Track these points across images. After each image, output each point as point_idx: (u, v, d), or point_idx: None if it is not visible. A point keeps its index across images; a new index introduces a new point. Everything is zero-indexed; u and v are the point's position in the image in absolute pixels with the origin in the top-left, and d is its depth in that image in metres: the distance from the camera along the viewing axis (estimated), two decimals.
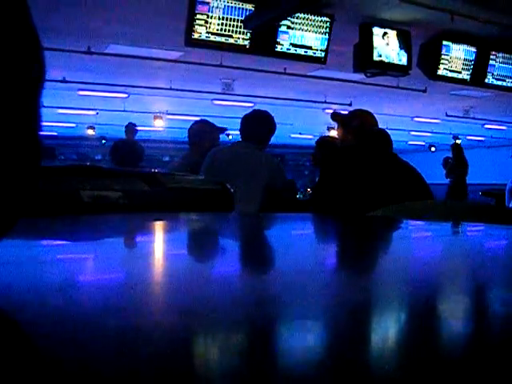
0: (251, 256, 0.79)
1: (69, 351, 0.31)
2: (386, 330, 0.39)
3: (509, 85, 6.37)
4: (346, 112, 3.27)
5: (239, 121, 3.38)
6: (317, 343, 0.35)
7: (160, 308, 0.44)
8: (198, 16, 4.74)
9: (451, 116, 10.59)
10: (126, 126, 7.87)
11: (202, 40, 4.82)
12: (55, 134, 13.40)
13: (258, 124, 3.28)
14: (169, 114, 11.11)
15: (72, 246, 0.83)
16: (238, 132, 3.37)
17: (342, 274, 0.65)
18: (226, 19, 4.84)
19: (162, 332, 0.36)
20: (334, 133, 8.25)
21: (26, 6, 0.39)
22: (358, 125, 2.95)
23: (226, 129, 4.04)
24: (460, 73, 5.99)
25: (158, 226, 1.20)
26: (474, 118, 10.81)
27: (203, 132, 3.83)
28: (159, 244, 0.94)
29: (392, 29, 5.41)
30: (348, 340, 0.35)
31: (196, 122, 4.02)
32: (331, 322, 0.40)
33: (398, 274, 0.63)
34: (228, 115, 9.91)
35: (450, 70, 5.91)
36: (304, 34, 5.23)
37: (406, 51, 5.55)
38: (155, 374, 0.28)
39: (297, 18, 5.14)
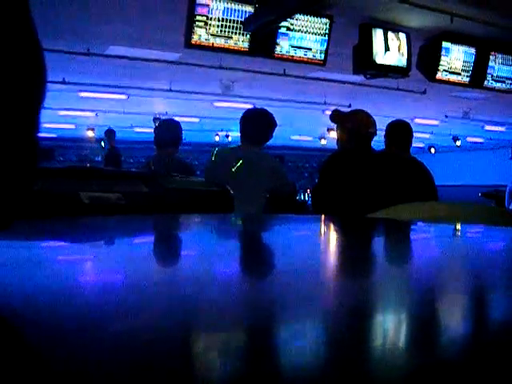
0: (254, 257, 0.79)
1: (68, 352, 0.31)
2: (389, 332, 0.39)
3: (508, 86, 6.37)
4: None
5: (239, 122, 3.35)
6: (317, 344, 0.35)
7: (160, 309, 0.44)
8: (198, 18, 4.73)
9: (451, 117, 10.60)
10: (106, 132, 8.75)
11: (202, 42, 4.82)
12: (55, 135, 13.40)
13: (258, 124, 3.24)
14: (168, 115, 11.10)
15: (71, 248, 0.83)
16: (237, 133, 3.35)
17: (344, 276, 0.65)
18: (226, 21, 4.84)
19: (162, 333, 0.36)
20: (333, 134, 8.24)
21: (28, 10, 0.39)
22: (351, 127, 2.97)
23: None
24: (459, 74, 5.99)
25: (158, 228, 1.20)
26: (473, 120, 10.81)
27: (172, 130, 3.76)
28: (159, 245, 0.93)
29: (391, 30, 5.41)
30: (350, 341, 0.35)
31: (160, 124, 3.98)
32: (332, 324, 0.40)
33: (399, 276, 0.63)
34: (228, 116, 9.92)
35: (450, 72, 5.91)
36: (303, 36, 5.23)
37: (405, 53, 5.55)
38: (155, 373, 0.27)
39: (296, 20, 5.14)
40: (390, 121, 3.54)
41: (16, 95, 0.39)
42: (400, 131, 3.40)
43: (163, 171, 3.11)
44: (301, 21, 5.17)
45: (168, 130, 3.76)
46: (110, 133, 8.93)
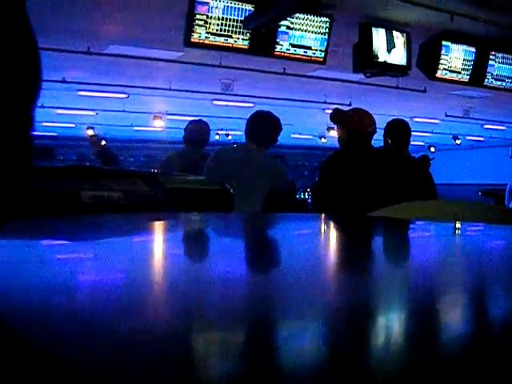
0: (254, 255, 0.79)
1: (68, 352, 0.31)
2: (388, 331, 0.40)
3: (508, 85, 6.37)
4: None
5: (239, 121, 3.38)
6: (317, 344, 0.35)
7: (160, 309, 0.44)
8: (198, 16, 4.73)
9: (451, 116, 10.58)
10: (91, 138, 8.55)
11: (202, 40, 4.82)
12: (55, 134, 13.40)
13: (263, 126, 3.30)
14: (168, 114, 11.09)
15: (71, 247, 0.83)
16: (237, 132, 3.38)
17: (345, 275, 0.65)
18: (226, 19, 4.83)
19: (162, 332, 0.36)
20: (333, 133, 8.23)
21: (23, 8, 0.39)
22: (351, 126, 2.98)
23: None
24: (459, 73, 5.99)
25: (158, 227, 1.20)
26: (473, 118, 10.81)
27: (200, 132, 3.90)
28: (159, 244, 0.94)
29: (391, 29, 5.40)
30: (349, 341, 0.35)
31: (193, 121, 4.07)
32: (333, 323, 0.40)
33: (399, 275, 0.64)
34: (227, 115, 9.90)
35: (450, 71, 5.91)
36: (303, 35, 5.22)
37: (405, 51, 5.55)
38: (155, 374, 0.28)
39: (296, 19, 5.13)
40: (390, 119, 3.56)
41: (10, 93, 0.39)
42: (398, 130, 3.41)
43: (192, 167, 3.24)
44: (301, 19, 5.16)
45: (199, 129, 3.96)
46: (96, 138, 8.70)
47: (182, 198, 2.02)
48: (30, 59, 0.40)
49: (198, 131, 3.93)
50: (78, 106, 10.25)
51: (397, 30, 5.46)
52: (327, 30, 5.24)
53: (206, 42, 4.84)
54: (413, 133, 3.75)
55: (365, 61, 5.34)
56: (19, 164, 0.40)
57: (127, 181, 2.03)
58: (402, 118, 3.63)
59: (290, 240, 1.01)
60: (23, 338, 0.35)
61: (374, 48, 5.31)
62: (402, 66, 5.57)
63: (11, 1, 0.39)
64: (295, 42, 5.22)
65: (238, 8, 4.82)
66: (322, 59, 5.39)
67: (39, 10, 4.37)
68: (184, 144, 3.93)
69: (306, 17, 5.17)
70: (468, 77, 6.07)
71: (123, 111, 10.44)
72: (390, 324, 0.41)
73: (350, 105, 8.29)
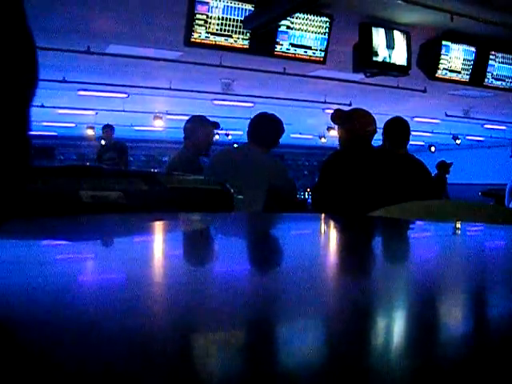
0: (253, 256, 0.79)
1: (68, 352, 0.31)
2: (388, 332, 0.39)
3: (508, 85, 6.37)
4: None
5: (239, 121, 3.39)
6: (318, 343, 0.35)
7: (161, 309, 0.44)
8: (198, 16, 4.73)
9: (451, 116, 10.59)
10: (105, 127, 7.61)
11: (202, 40, 4.82)
12: (55, 134, 13.40)
13: (266, 128, 3.32)
14: (168, 114, 11.09)
15: (71, 247, 0.83)
16: (237, 132, 3.39)
17: (346, 275, 0.65)
18: (226, 19, 4.83)
19: (163, 332, 0.36)
20: (333, 133, 8.23)
21: (23, 10, 0.39)
22: (351, 126, 2.99)
23: (218, 124, 4.03)
24: (459, 73, 5.99)
25: (158, 227, 1.20)
26: (473, 118, 10.81)
27: (196, 128, 3.84)
28: (159, 244, 0.93)
29: (392, 29, 5.41)
30: (349, 341, 0.35)
31: (189, 119, 4.04)
32: (333, 324, 0.40)
33: (399, 275, 0.64)
34: (228, 115, 9.90)
35: (450, 70, 5.91)
36: (303, 34, 5.23)
37: (405, 51, 5.55)
38: (156, 374, 0.28)
39: (296, 18, 5.14)
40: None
41: (6, 92, 0.38)
42: (395, 128, 3.39)
43: (194, 167, 3.28)
44: (301, 19, 5.17)
45: (201, 126, 3.82)
46: (109, 127, 7.90)
47: (181, 198, 2.02)
48: (27, 57, 0.40)
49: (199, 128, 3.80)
50: (78, 106, 10.26)
51: (397, 30, 5.46)
52: (327, 29, 5.24)
53: (206, 41, 4.84)
54: (413, 133, 3.73)
55: (365, 61, 5.34)
56: (17, 164, 0.40)
57: (127, 180, 2.03)
58: (399, 116, 3.62)
59: (290, 240, 1.01)
60: (23, 338, 0.35)
61: (374, 48, 5.31)
62: (402, 65, 5.57)
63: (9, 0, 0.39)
64: (295, 42, 5.22)
65: (238, 8, 4.83)
66: (321, 59, 5.39)
67: (39, 9, 4.38)
68: (184, 144, 3.90)
69: (305, 17, 5.17)
70: (468, 77, 6.08)
71: (123, 111, 10.44)
72: (391, 325, 0.41)
73: (350, 105, 8.28)
